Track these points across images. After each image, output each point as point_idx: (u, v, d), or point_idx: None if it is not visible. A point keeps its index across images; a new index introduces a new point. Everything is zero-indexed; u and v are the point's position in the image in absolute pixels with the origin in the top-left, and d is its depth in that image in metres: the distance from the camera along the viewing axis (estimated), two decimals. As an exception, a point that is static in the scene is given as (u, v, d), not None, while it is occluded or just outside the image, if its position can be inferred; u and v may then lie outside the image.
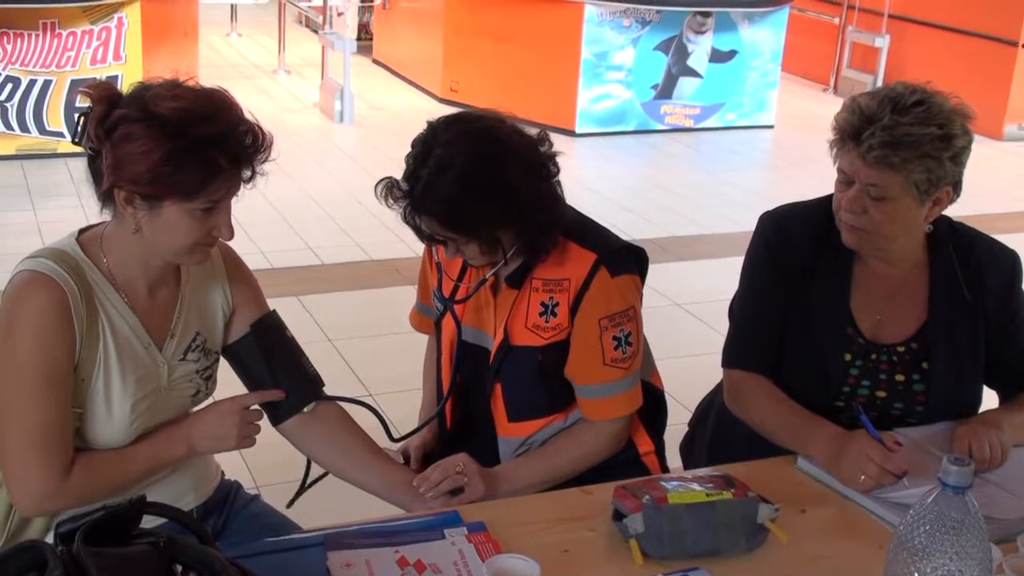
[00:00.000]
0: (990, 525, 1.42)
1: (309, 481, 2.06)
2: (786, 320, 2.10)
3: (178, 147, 1.62)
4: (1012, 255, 2.13)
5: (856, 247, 2.04)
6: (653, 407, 2.20)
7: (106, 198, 1.71)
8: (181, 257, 1.76)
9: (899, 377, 2.08)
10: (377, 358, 4.12)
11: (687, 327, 4.62)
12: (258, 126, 1.73)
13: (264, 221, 5.47)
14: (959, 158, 1.94)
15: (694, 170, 7.23)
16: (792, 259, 2.09)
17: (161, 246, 1.73)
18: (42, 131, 6.38)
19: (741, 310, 2.19)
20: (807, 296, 2.08)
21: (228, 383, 1.98)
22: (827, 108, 9.10)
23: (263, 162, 1.74)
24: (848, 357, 2.07)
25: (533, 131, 2.02)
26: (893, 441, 1.92)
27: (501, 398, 2.09)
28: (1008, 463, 1.95)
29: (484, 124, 1.96)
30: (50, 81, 6.32)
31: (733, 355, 2.17)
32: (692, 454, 2.41)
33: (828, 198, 2.14)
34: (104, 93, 1.68)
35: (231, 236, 1.76)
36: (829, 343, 2.07)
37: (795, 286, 2.09)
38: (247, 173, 1.72)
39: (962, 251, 2.08)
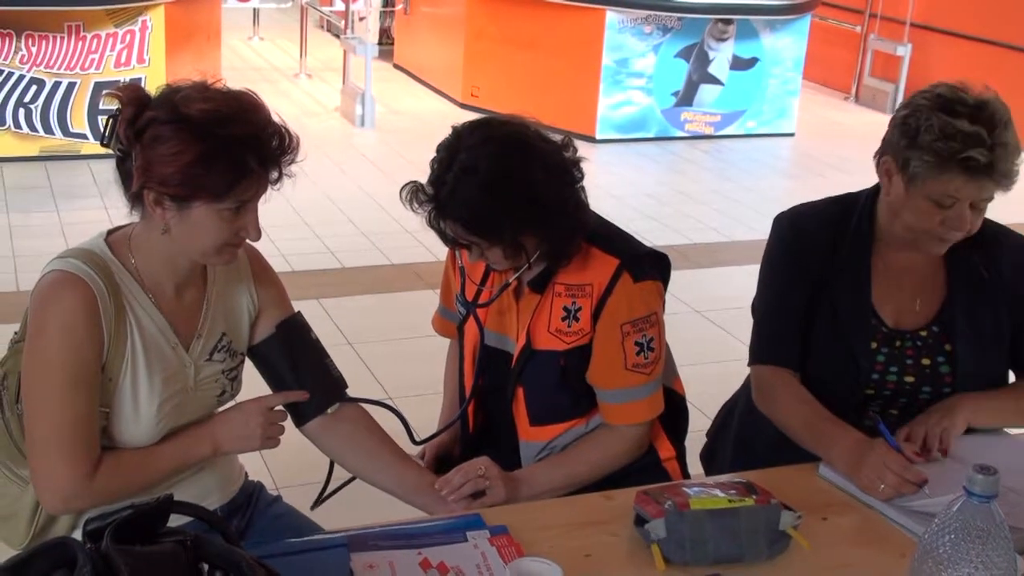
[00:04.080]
0: (1015, 535, 1.41)
1: (335, 487, 2.07)
2: (811, 316, 2.12)
3: (208, 148, 1.64)
4: (1019, 236, 2.17)
5: (931, 249, 2.06)
6: (675, 413, 2.20)
7: (135, 199, 1.72)
8: (209, 257, 1.78)
9: (925, 361, 2.11)
10: (397, 362, 4.13)
11: (707, 334, 4.61)
12: (285, 128, 1.74)
13: (285, 224, 5.50)
14: None
15: (714, 177, 7.22)
16: (810, 255, 2.13)
17: (189, 246, 1.74)
18: (66, 133, 6.43)
19: (763, 308, 2.21)
20: (829, 291, 2.11)
21: (253, 384, 1.99)
22: (848, 116, 9.10)
23: (290, 163, 1.75)
24: (874, 346, 2.10)
25: (557, 136, 2.03)
26: (913, 451, 1.92)
27: (523, 402, 2.09)
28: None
29: (509, 129, 1.97)
30: (74, 83, 6.36)
31: (758, 352, 2.19)
32: (714, 462, 2.41)
33: (844, 197, 2.19)
34: (133, 95, 1.69)
35: (258, 237, 1.77)
36: (855, 335, 2.10)
37: (815, 281, 2.12)
38: (274, 174, 1.74)
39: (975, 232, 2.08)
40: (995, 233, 2.12)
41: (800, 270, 2.14)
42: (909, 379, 2.11)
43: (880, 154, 2.06)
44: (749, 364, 2.21)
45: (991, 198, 1.97)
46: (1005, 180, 1.93)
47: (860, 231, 2.12)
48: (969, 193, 1.93)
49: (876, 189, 2.13)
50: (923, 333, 2.12)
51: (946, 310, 2.11)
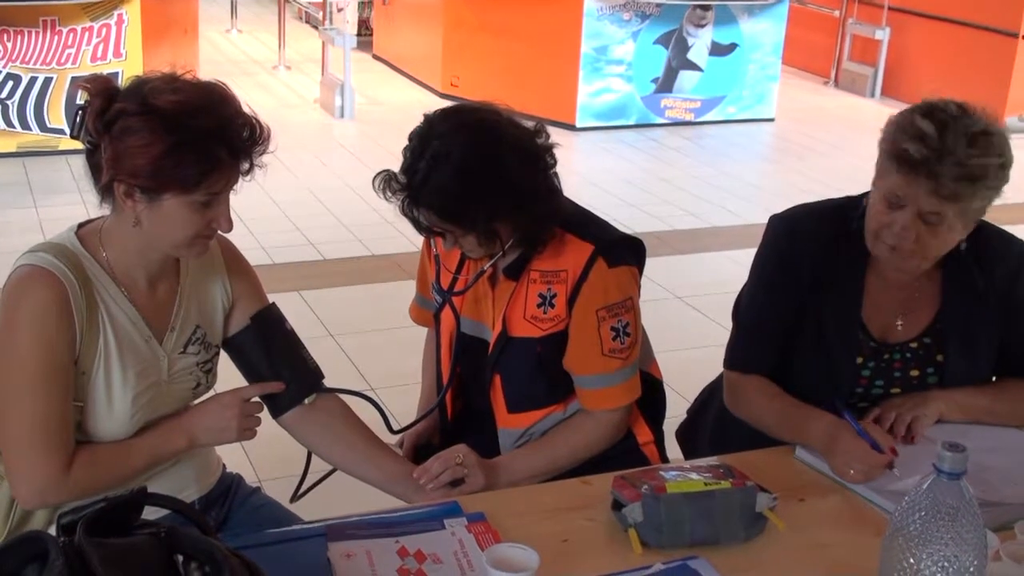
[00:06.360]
0: (991, 510, 1.42)
1: (316, 480, 2.07)
2: (797, 325, 2.08)
3: (178, 140, 1.63)
4: (1020, 243, 2.11)
5: (891, 264, 2.00)
6: (652, 397, 2.21)
7: (105, 192, 1.71)
8: (180, 250, 1.77)
9: (913, 372, 2.08)
10: (378, 353, 4.13)
11: (687, 320, 4.62)
12: (255, 118, 1.74)
13: (265, 217, 5.49)
14: (1007, 182, 1.91)
15: (695, 163, 7.23)
16: (803, 263, 2.06)
17: (161, 239, 1.74)
18: (43, 128, 6.39)
19: (747, 314, 2.17)
20: (818, 302, 2.06)
21: (228, 376, 1.99)
22: (828, 101, 9.13)
23: (261, 154, 1.74)
24: (860, 360, 2.07)
25: (530, 123, 2.03)
26: (890, 447, 1.90)
27: (500, 390, 2.10)
28: (1010, 449, 1.96)
29: (480, 116, 1.97)
30: (51, 78, 6.33)
31: (735, 358, 2.16)
32: (693, 443, 2.41)
33: (843, 200, 2.12)
34: (102, 87, 1.68)
35: (230, 228, 1.76)
36: (840, 348, 2.06)
37: (805, 291, 2.06)
38: (245, 165, 1.73)
39: (971, 240, 2.03)
40: (996, 242, 2.07)
41: (789, 279, 2.07)
42: (895, 391, 2.07)
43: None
44: (724, 367, 2.18)
45: (939, 214, 1.87)
46: (944, 191, 1.83)
47: (857, 238, 2.04)
48: (928, 205, 1.86)
49: None
50: (913, 344, 2.07)
51: (939, 320, 2.07)
